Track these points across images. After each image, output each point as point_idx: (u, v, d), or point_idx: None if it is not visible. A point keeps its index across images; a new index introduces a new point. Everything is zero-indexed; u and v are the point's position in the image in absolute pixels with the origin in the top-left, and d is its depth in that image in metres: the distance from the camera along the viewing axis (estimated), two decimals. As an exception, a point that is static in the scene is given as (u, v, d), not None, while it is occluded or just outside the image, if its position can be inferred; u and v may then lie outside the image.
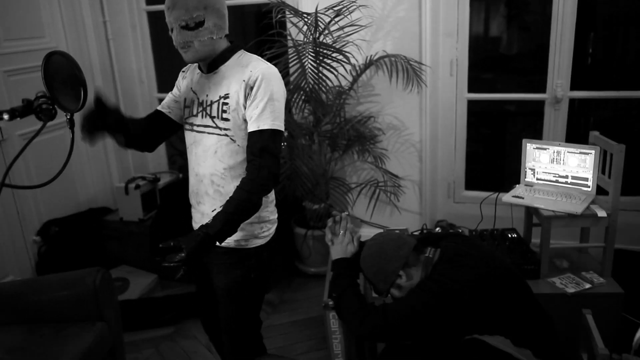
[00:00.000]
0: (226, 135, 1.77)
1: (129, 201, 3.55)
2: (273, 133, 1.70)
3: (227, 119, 1.75)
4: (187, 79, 1.92)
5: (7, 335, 2.17)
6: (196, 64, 1.88)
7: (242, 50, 1.83)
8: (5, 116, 1.43)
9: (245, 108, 1.72)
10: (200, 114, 1.82)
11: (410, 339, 1.73)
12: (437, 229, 2.92)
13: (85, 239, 3.62)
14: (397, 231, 2.83)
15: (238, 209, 1.68)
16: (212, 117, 1.78)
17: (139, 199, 3.54)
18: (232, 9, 4.17)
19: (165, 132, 1.97)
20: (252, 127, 1.71)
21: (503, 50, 3.92)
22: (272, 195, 1.91)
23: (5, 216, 3.18)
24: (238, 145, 1.77)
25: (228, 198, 1.71)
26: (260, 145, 1.68)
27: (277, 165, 1.72)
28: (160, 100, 4.07)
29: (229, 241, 1.82)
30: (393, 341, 1.82)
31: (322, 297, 2.47)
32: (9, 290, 2.35)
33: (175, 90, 1.97)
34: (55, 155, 3.44)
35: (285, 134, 2.90)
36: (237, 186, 1.71)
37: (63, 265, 3.16)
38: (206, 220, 1.80)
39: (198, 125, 1.83)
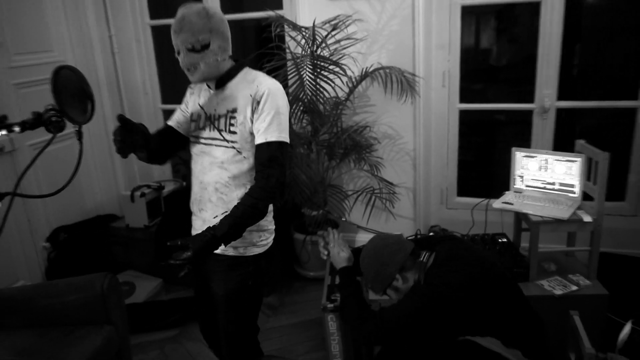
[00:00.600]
0: (233, 147, 1.79)
1: (135, 208, 3.56)
2: (280, 145, 1.73)
3: (234, 132, 1.77)
4: (194, 94, 1.94)
5: (18, 338, 2.18)
6: None
7: (247, 67, 1.86)
8: (17, 128, 1.45)
9: (252, 122, 1.75)
10: (208, 128, 1.84)
11: (406, 342, 1.75)
12: (431, 234, 2.93)
13: (93, 245, 3.62)
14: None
15: (245, 214, 1.71)
16: (219, 131, 1.80)
17: (144, 207, 3.55)
18: (233, 23, 4.20)
19: (176, 146, 1.98)
20: (259, 140, 1.73)
21: (493, 61, 3.94)
22: (270, 206, 1.93)
23: (16, 223, 3.19)
24: (244, 157, 1.79)
25: (235, 204, 1.74)
26: (268, 156, 1.72)
27: (284, 174, 1.75)
28: (164, 110, 4.11)
29: (228, 249, 1.84)
30: (389, 344, 1.83)
31: (321, 300, 2.49)
32: (19, 295, 2.36)
33: (183, 105, 1.99)
34: (64, 164, 3.45)
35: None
36: (246, 193, 1.75)
37: (72, 271, 3.16)
38: (207, 227, 1.82)
39: (205, 138, 1.85)
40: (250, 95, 1.74)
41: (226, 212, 1.80)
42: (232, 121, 1.77)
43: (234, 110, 1.77)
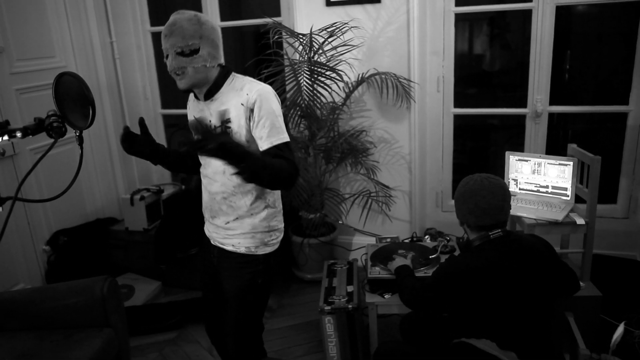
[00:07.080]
0: None
1: (134, 212, 3.54)
2: (285, 145, 1.74)
3: None
4: (190, 108, 1.94)
5: (18, 341, 2.16)
6: (192, 94, 1.89)
7: (233, 73, 1.83)
8: (19, 134, 1.43)
9: (246, 130, 1.74)
10: None
11: (430, 307, 1.89)
12: (427, 237, 2.92)
13: (93, 248, 3.60)
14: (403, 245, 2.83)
15: (276, 168, 1.62)
16: None
17: (144, 210, 3.53)
18: (232, 29, 4.22)
19: (198, 163, 1.99)
20: (265, 145, 1.72)
21: (486, 67, 3.96)
22: (279, 205, 1.94)
23: (17, 226, 3.16)
24: None
25: (245, 210, 1.83)
26: (282, 158, 1.70)
27: (297, 169, 1.73)
28: (164, 115, 4.09)
29: (241, 247, 1.86)
30: (422, 307, 1.96)
31: (319, 302, 2.48)
32: (19, 298, 2.33)
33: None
34: (64, 168, 3.43)
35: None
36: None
37: (71, 274, 3.14)
38: (221, 231, 1.89)
39: None
40: (242, 104, 1.73)
41: (237, 218, 1.84)
42: (228, 131, 1.76)
43: (228, 121, 1.76)
